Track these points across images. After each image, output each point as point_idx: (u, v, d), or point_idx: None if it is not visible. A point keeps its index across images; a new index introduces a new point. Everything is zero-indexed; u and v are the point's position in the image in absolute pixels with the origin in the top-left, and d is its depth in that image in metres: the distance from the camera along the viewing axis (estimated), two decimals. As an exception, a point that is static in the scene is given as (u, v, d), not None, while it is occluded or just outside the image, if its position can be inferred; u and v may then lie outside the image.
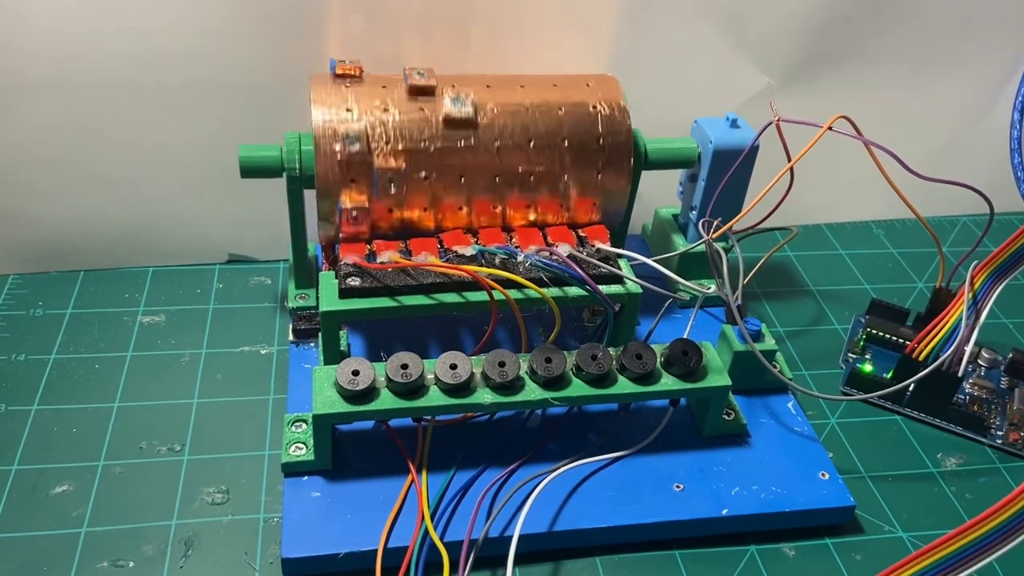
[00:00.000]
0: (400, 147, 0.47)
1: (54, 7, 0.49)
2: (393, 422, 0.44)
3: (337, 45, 0.55)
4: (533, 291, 0.46)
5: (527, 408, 0.46)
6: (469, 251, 0.48)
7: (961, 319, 0.49)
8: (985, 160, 0.64)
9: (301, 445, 0.44)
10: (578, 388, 0.44)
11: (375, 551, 0.40)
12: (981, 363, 0.55)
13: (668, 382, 0.45)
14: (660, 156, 0.53)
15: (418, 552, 0.40)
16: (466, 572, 0.39)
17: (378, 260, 0.47)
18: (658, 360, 0.45)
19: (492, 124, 0.49)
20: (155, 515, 0.43)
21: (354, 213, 0.47)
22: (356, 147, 0.46)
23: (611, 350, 0.45)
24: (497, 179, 0.49)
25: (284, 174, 0.48)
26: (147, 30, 0.51)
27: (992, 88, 0.67)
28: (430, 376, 0.43)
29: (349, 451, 0.45)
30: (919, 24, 0.62)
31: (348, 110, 0.47)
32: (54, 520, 0.43)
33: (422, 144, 0.48)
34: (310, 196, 0.49)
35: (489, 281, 0.45)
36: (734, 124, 0.54)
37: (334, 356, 0.47)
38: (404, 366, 0.42)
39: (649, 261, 0.50)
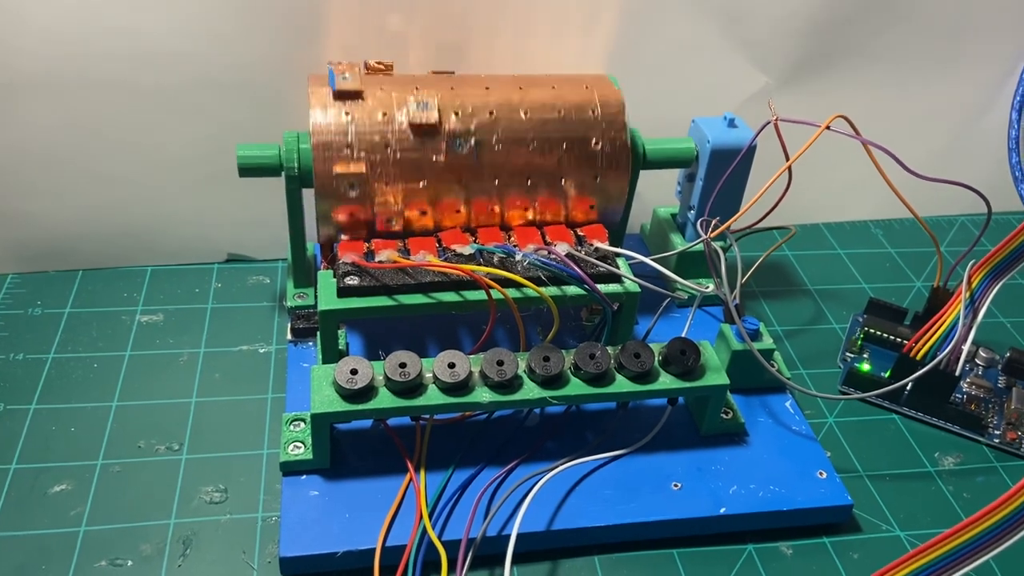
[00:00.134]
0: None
1: (54, 7, 0.49)
2: (391, 421, 0.44)
3: (335, 45, 0.55)
4: (531, 290, 0.46)
5: (525, 407, 0.46)
6: (467, 250, 0.48)
7: (959, 318, 0.49)
8: (983, 160, 0.64)
9: (299, 444, 0.44)
10: (576, 387, 0.44)
11: (373, 550, 0.40)
12: (978, 362, 0.55)
13: (666, 381, 0.45)
14: (658, 156, 0.53)
15: (416, 551, 0.40)
16: (464, 571, 0.39)
17: (376, 259, 0.47)
18: (656, 359, 0.45)
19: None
20: (153, 514, 0.43)
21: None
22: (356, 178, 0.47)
23: (609, 349, 0.45)
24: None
25: (283, 173, 0.49)
26: (146, 30, 0.51)
27: (990, 88, 0.67)
28: (428, 375, 0.43)
29: (347, 450, 0.45)
30: (917, 24, 0.62)
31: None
32: (52, 519, 0.43)
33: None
34: (308, 195, 0.49)
35: (487, 280, 0.45)
36: (732, 124, 0.54)
37: (332, 355, 0.47)
38: (402, 365, 0.42)
39: (647, 260, 0.50)
